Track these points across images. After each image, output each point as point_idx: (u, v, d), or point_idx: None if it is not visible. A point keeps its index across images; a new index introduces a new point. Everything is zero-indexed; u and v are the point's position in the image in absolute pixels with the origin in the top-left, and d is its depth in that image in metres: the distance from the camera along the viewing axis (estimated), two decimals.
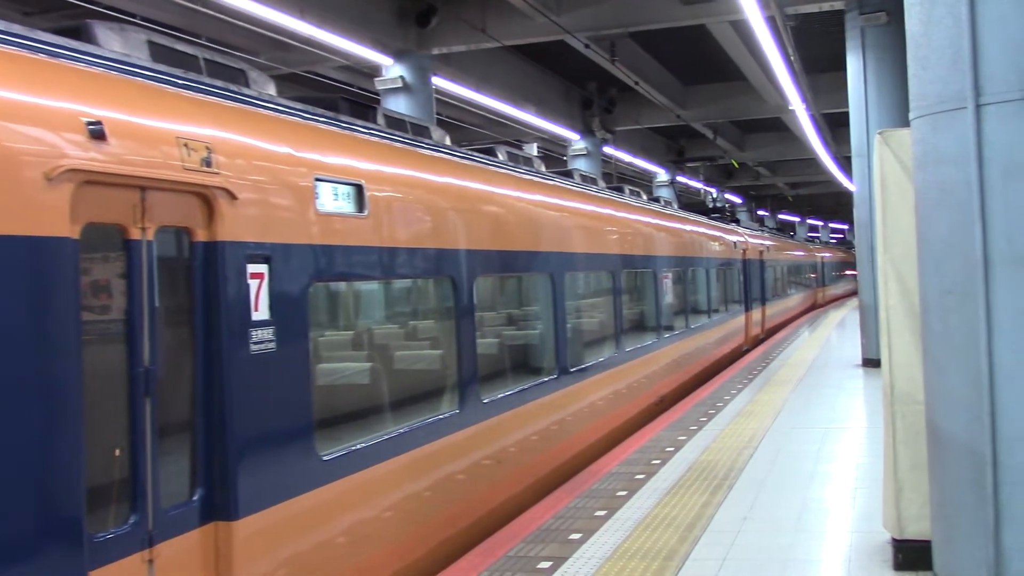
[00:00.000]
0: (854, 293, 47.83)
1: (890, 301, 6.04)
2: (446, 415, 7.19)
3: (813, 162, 38.10)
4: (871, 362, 16.27)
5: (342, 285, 6.65)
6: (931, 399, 5.31)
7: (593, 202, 11.69)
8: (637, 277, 13.64)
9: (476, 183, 8.06)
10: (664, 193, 29.59)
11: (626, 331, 12.19)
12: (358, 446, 5.98)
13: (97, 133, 4.33)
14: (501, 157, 9.66)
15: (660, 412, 13.27)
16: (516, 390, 8.54)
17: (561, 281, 9.71)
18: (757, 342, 24.50)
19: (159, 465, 4.54)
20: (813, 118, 24.83)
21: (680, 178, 36.13)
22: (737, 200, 50.26)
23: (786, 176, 47.12)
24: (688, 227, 17.28)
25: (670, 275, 14.94)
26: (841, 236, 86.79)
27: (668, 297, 14.83)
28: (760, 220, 53.84)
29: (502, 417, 8.03)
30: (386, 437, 6.32)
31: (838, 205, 61.90)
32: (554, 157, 31.50)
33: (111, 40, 5.11)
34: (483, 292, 8.21)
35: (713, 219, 22.22)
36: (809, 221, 73.44)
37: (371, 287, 7.16)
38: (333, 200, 5.89)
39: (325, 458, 5.59)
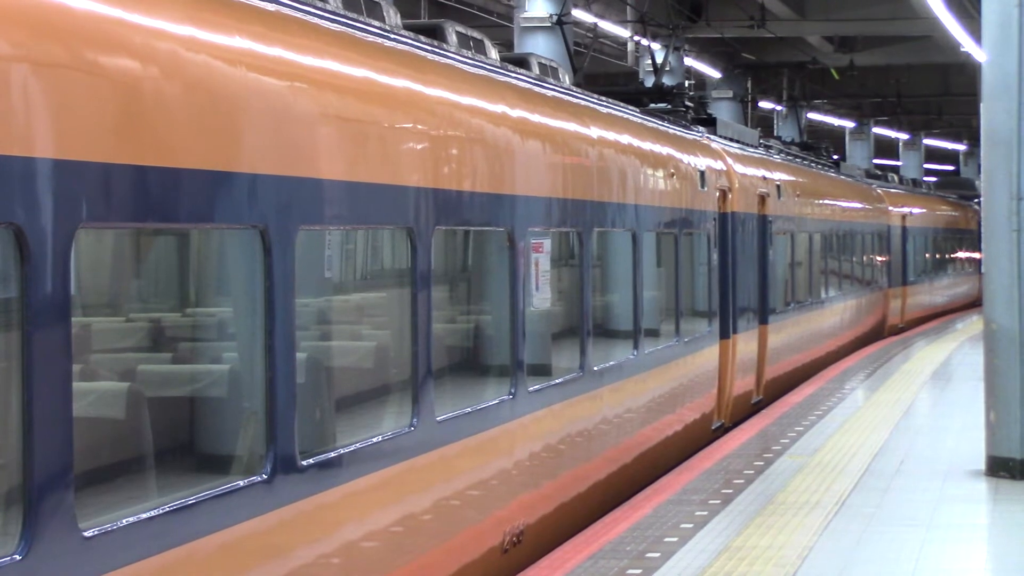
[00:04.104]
0: (971, 304, 38.46)
1: None
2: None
3: None
4: (1006, 465, 13.89)
5: None
6: None
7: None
8: (455, 249, 11.21)
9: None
10: (540, 49, 21.30)
11: (420, 379, 9.76)
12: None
13: None
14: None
15: None
16: None
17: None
18: (748, 410, 19.66)
19: None
20: None
21: (578, 13, 25.51)
22: (711, 73, 38.36)
23: (827, 18, 35.58)
24: (595, 132, 13.65)
25: (545, 245, 12.35)
26: (952, 170, 70.03)
27: (538, 297, 12.26)
28: (765, 125, 43.00)
29: None
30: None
31: (945, 95, 48.16)
32: None
33: None
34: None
35: (653, 115, 17.29)
36: (877, 131, 60.52)
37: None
38: None
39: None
